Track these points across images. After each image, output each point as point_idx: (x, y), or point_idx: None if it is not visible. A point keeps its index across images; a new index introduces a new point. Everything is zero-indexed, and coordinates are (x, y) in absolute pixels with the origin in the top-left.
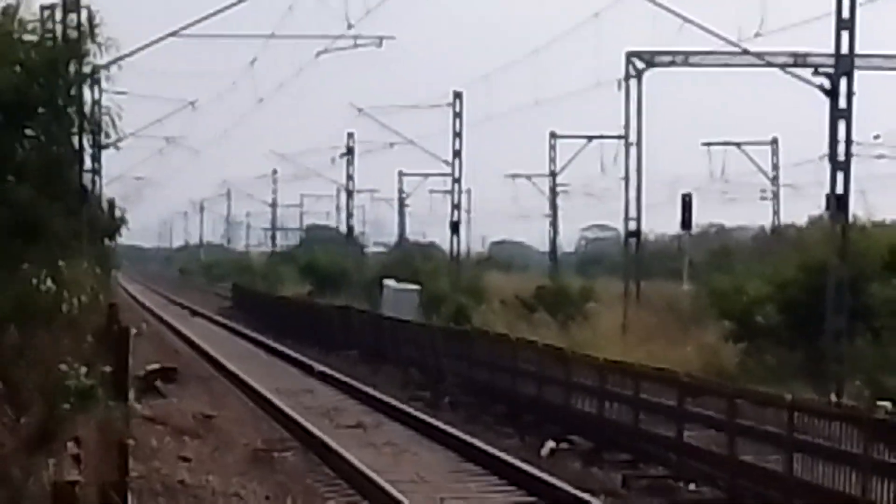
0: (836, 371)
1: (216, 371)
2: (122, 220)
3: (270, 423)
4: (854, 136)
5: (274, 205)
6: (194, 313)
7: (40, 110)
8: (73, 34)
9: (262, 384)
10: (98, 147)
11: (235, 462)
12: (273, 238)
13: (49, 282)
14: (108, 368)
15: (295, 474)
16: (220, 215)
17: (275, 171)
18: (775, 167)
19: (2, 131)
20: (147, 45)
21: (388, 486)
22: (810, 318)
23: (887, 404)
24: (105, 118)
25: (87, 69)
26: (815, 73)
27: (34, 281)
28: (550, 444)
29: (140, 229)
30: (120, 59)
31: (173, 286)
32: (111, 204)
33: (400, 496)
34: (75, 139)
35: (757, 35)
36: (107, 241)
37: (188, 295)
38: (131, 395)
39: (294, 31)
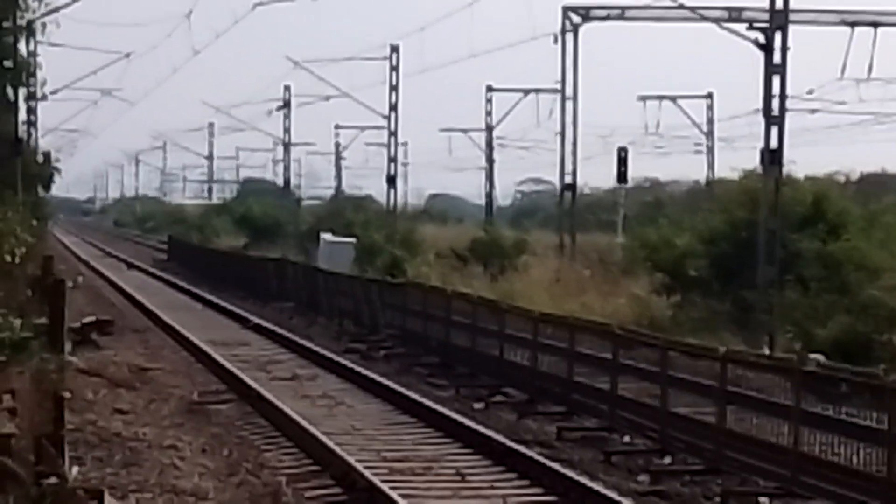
0: (767, 323)
1: (152, 323)
2: (56, 170)
3: (206, 375)
4: (788, 91)
5: (210, 157)
6: (130, 265)
7: None
8: None
9: (198, 336)
10: (34, 99)
11: (171, 414)
12: (209, 190)
13: None
14: (43, 320)
15: (230, 426)
16: (156, 167)
17: (211, 124)
18: (710, 121)
19: None
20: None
21: (323, 437)
22: (740, 270)
23: (819, 357)
24: (39, 70)
25: (21, 22)
26: (750, 27)
27: None
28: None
29: (75, 181)
30: (54, 10)
31: (109, 238)
32: (46, 155)
33: (335, 447)
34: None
35: None
36: (41, 192)
37: (123, 247)
38: (67, 347)
39: None
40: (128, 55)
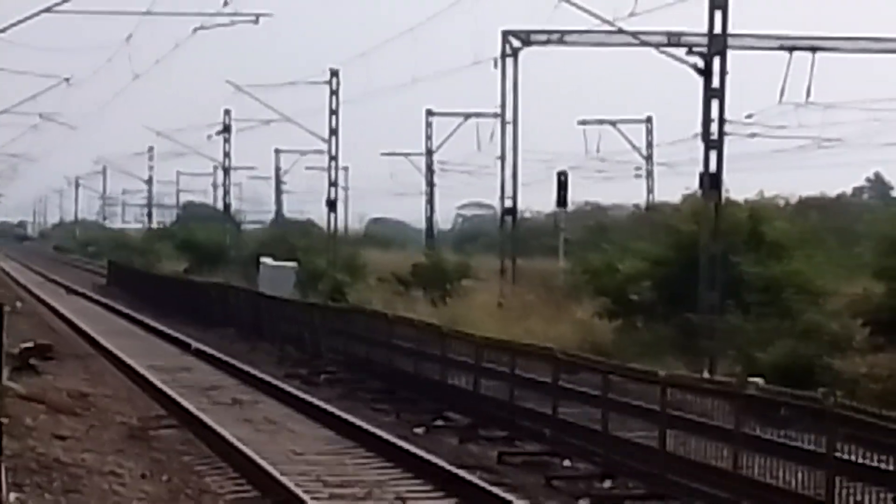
0: (708, 346)
1: (93, 348)
2: None
3: (147, 400)
4: (727, 115)
5: (150, 182)
6: (70, 290)
7: None
8: None
9: (139, 361)
10: None
11: (112, 440)
12: (149, 215)
13: None
14: None
15: (171, 451)
16: (97, 192)
17: (151, 148)
18: (650, 145)
19: None
20: (20, 21)
21: (263, 463)
22: (683, 294)
23: (759, 380)
24: None
25: None
26: (690, 52)
27: None
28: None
29: (15, 207)
30: None
31: (49, 263)
32: None
33: (276, 472)
34: None
35: (632, 14)
36: None
37: (64, 272)
38: (5, 372)
39: (171, 7)
40: (67, 80)
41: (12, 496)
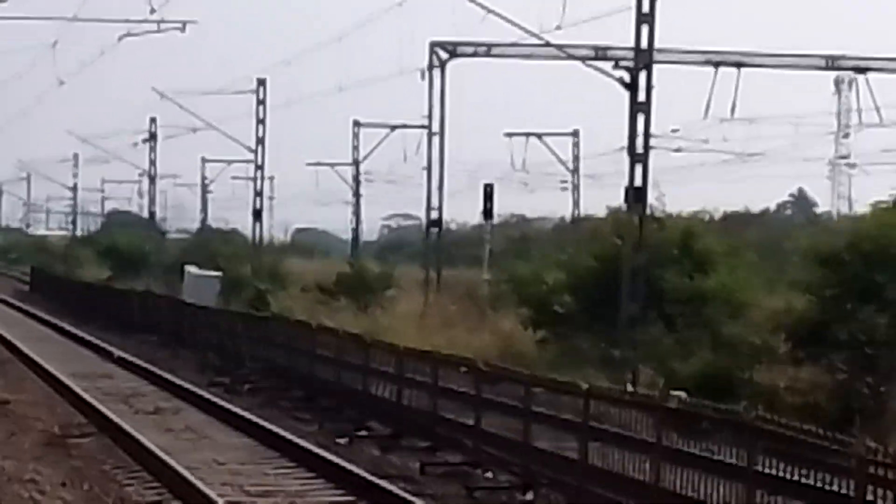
0: (630, 359)
1: (12, 355)
2: None
3: (67, 408)
4: (653, 129)
5: (74, 189)
6: None
7: None
8: None
9: (60, 369)
10: None
11: (31, 447)
12: (73, 222)
13: None
14: None
15: (91, 459)
16: (20, 198)
17: (76, 155)
18: (576, 158)
19: None
20: None
21: (184, 472)
22: (605, 306)
23: (681, 394)
24: None
25: None
26: (616, 66)
27: None
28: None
29: None
30: None
31: None
32: None
33: (196, 481)
34: None
35: (558, 28)
36: None
37: None
38: None
39: (97, 13)
40: None
41: None
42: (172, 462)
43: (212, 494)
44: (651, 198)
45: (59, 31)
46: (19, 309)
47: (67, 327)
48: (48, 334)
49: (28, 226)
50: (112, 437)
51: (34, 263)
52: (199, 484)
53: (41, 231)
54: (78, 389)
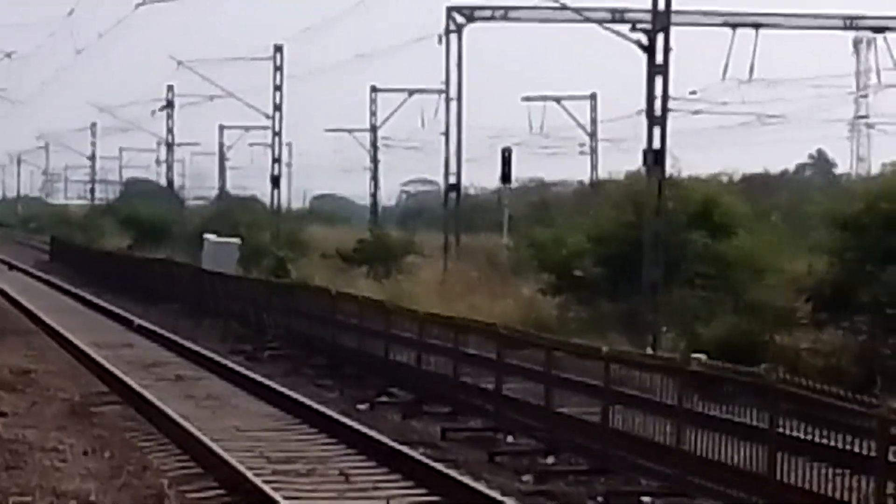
0: (651, 322)
1: (34, 325)
2: None
3: (90, 377)
4: (671, 92)
5: (93, 158)
6: (11, 267)
7: None
8: None
9: (82, 338)
10: None
11: (54, 416)
12: (92, 191)
13: None
14: None
15: (114, 428)
16: (39, 168)
17: (94, 124)
18: (594, 122)
19: None
20: None
21: (205, 439)
22: (627, 270)
23: (702, 356)
24: None
25: None
26: (633, 28)
27: None
28: None
29: None
30: None
31: None
32: None
33: (218, 448)
34: None
35: None
36: None
37: (5, 248)
38: None
39: None
40: (9, 54)
41: None
42: (194, 430)
43: (233, 461)
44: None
45: (76, 2)
46: (40, 279)
47: (88, 297)
48: (69, 304)
49: (47, 195)
50: (134, 405)
51: (54, 233)
52: (221, 451)
53: (60, 200)
54: (100, 358)
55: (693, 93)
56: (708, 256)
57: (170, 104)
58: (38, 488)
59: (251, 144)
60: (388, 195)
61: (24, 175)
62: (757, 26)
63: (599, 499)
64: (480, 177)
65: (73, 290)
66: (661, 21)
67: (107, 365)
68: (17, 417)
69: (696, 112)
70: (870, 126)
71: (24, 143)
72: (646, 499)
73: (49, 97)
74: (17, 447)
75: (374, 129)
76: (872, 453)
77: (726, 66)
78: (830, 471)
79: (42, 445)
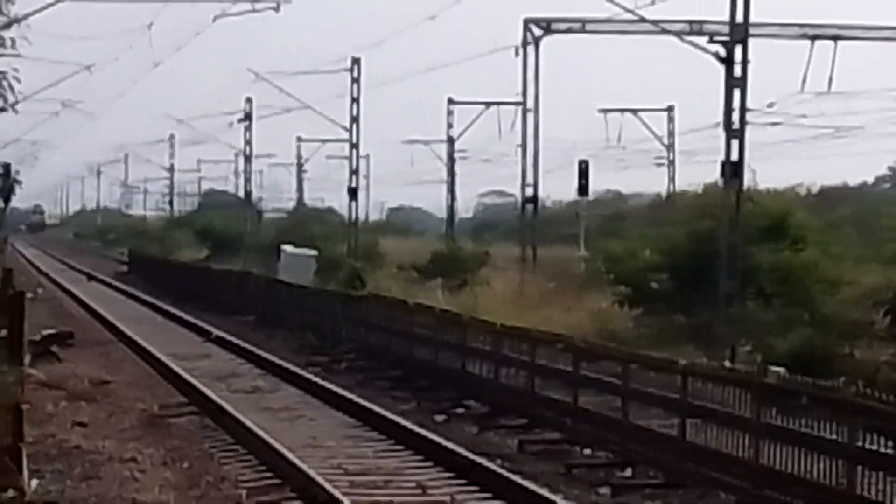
0: (727, 335)
1: (113, 335)
2: (17, 182)
3: (167, 387)
4: (749, 104)
5: (171, 169)
6: (91, 278)
7: None
8: None
9: (159, 349)
10: None
11: (132, 427)
12: (171, 203)
13: None
14: (2, 332)
15: (191, 438)
16: (118, 179)
17: (172, 136)
18: (671, 134)
19: None
20: (42, 9)
21: (283, 450)
22: (700, 282)
23: (781, 370)
24: (2, 82)
25: None
26: (711, 40)
27: None
28: None
29: (36, 194)
30: (15, 22)
31: (69, 251)
32: (6, 167)
33: (296, 459)
34: None
35: (653, 2)
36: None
37: (84, 259)
38: (26, 359)
39: None
40: (89, 67)
41: (33, 482)
42: (271, 440)
43: (311, 472)
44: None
45: (155, 13)
46: (118, 290)
47: (165, 308)
48: (147, 315)
49: (126, 207)
50: (211, 416)
51: (131, 245)
52: (299, 462)
53: (138, 212)
54: (177, 369)
55: (770, 105)
56: (780, 268)
57: (248, 116)
58: (116, 498)
59: (328, 157)
60: (465, 207)
61: (103, 187)
62: (836, 38)
63: None
64: (555, 188)
65: (151, 300)
66: (738, 33)
67: (184, 375)
68: (96, 428)
69: (774, 124)
70: None
71: (102, 155)
72: None
73: (127, 109)
74: (96, 457)
75: (450, 140)
76: None
77: (804, 78)
78: None
79: (120, 456)
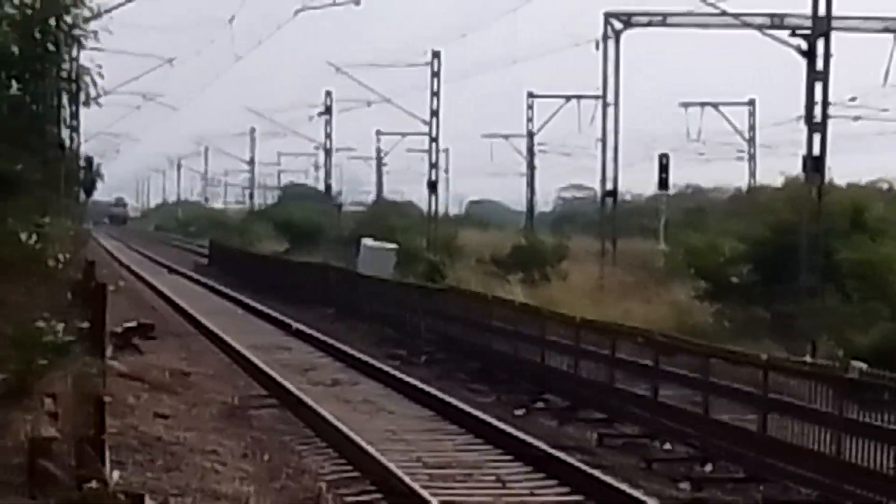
0: (808, 330)
1: (193, 328)
2: (99, 175)
3: (247, 379)
4: (830, 98)
5: (251, 162)
6: (171, 270)
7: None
8: None
9: (239, 341)
10: (76, 104)
11: (212, 418)
12: (251, 196)
13: (32, 236)
14: (84, 324)
15: (271, 431)
16: (198, 172)
17: (252, 129)
18: (752, 128)
19: None
20: (125, 3)
21: (363, 443)
22: (782, 277)
23: (863, 365)
24: (86, 77)
25: (66, 27)
26: (793, 34)
27: (22, 235)
28: None
29: (117, 186)
30: (98, 16)
31: (150, 243)
32: (88, 160)
33: (375, 452)
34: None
35: None
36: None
37: (165, 252)
38: (108, 351)
39: None
40: (171, 60)
41: (115, 474)
42: (351, 433)
43: (391, 466)
44: None
45: (237, 7)
46: (199, 282)
47: (245, 300)
48: (227, 307)
49: (206, 199)
50: (291, 408)
51: (212, 237)
52: (378, 455)
53: (219, 205)
54: (257, 361)
55: (853, 99)
56: (861, 264)
57: (328, 110)
58: (197, 490)
59: (408, 150)
60: (543, 200)
61: (184, 179)
62: None
63: None
64: (635, 182)
65: (231, 293)
66: (820, 27)
67: (264, 367)
68: (177, 420)
69: (856, 118)
70: None
71: (183, 148)
72: None
73: (208, 102)
74: (177, 449)
75: (530, 134)
76: None
77: (887, 71)
78: None
79: (201, 448)
